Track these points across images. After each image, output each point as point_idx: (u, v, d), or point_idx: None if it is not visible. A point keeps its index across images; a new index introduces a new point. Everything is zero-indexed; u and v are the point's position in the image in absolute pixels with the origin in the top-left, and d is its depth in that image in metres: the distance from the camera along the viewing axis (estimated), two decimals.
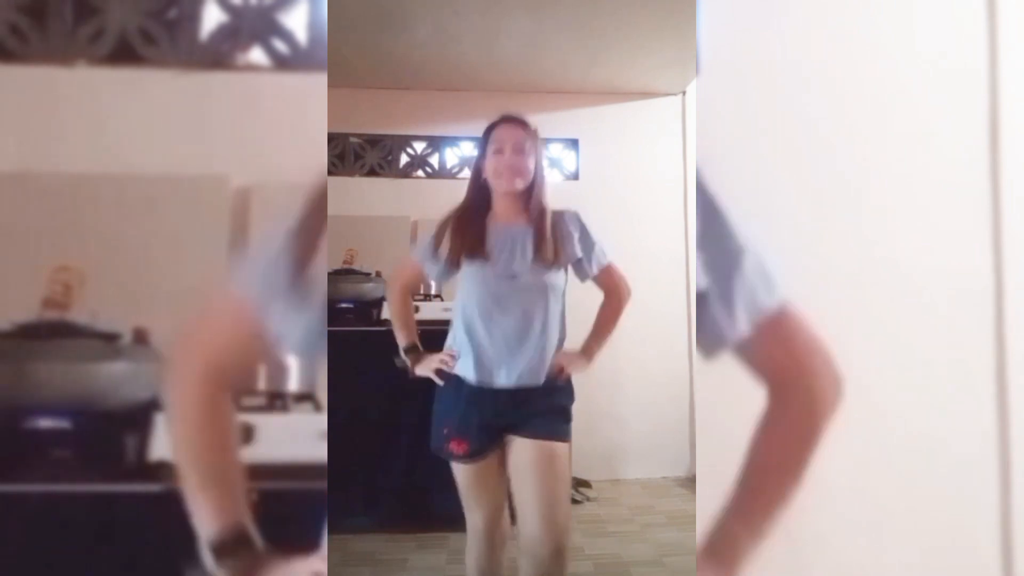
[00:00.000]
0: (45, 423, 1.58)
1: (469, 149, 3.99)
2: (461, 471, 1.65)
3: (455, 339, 1.67)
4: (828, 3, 1.16)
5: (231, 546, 0.71)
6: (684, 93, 4.04)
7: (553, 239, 1.64)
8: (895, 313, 1.11)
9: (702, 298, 0.76)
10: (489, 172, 1.66)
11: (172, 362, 0.79)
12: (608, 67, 3.64)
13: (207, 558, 0.72)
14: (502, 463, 1.63)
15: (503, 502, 1.67)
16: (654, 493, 3.56)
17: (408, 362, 1.71)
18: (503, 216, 1.68)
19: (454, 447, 1.61)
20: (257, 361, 0.81)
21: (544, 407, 1.61)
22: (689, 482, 3.70)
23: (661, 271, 3.87)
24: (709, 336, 0.76)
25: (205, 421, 0.76)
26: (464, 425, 1.61)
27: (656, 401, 3.87)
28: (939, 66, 1.17)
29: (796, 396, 0.74)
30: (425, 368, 1.67)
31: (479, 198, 1.70)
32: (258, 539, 0.72)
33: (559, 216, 1.69)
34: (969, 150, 1.17)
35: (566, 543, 1.55)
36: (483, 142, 1.70)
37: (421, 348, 1.72)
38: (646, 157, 4.02)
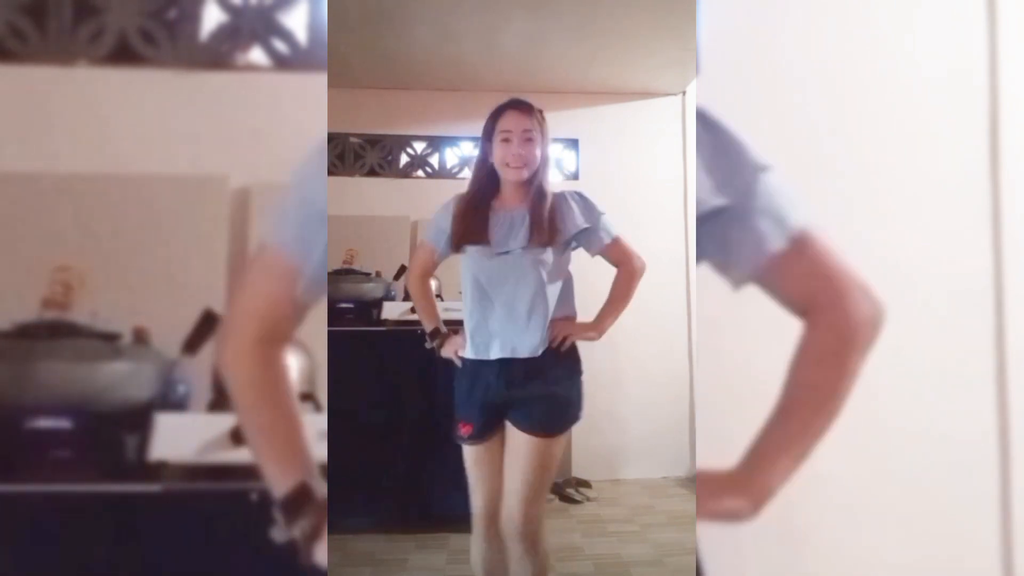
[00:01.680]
0: (45, 423, 1.58)
1: (469, 149, 3.99)
2: (467, 453, 1.71)
3: (465, 323, 1.71)
4: (828, 3, 1.16)
5: (299, 504, 0.71)
6: (684, 93, 4.04)
7: (550, 219, 1.65)
8: (895, 313, 1.11)
9: (715, 221, 0.72)
10: (497, 160, 1.67)
11: (226, 327, 0.80)
12: (608, 67, 3.64)
13: (279, 519, 0.72)
14: (501, 444, 1.67)
15: (502, 487, 1.70)
16: (654, 493, 3.56)
17: (435, 346, 1.77)
18: (508, 201, 1.70)
19: (462, 429, 1.68)
20: (302, 312, 0.81)
21: (542, 392, 1.63)
22: (689, 482, 3.70)
23: (661, 271, 3.86)
24: (737, 259, 0.72)
25: (265, 381, 0.76)
26: (470, 406, 1.66)
27: (656, 401, 3.87)
28: (939, 66, 1.17)
29: (834, 320, 0.70)
30: (448, 351, 1.73)
31: (485, 184, 1.71)
32: (321, 496, 0.73)
33: (560, 196, 1.70)
34: (969, 150, 1.17)
35: (539, 533, 1.62)
36: (489, 128, 1.69)
37: (444, 330, 1.78)
38: (646, 157, 4.02)
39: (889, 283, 1.08)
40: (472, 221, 1.67)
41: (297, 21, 2.19)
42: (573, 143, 4.05)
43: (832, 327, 0.70)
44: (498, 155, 1.66)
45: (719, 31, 1.08)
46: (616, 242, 1.75)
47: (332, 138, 3.89)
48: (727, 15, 1.09)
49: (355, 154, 3.95)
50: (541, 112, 1.70)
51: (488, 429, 1.67)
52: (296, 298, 0.80)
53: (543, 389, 1.63)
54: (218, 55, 2.13)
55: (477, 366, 1.67)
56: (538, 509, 1.63)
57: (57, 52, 2.08)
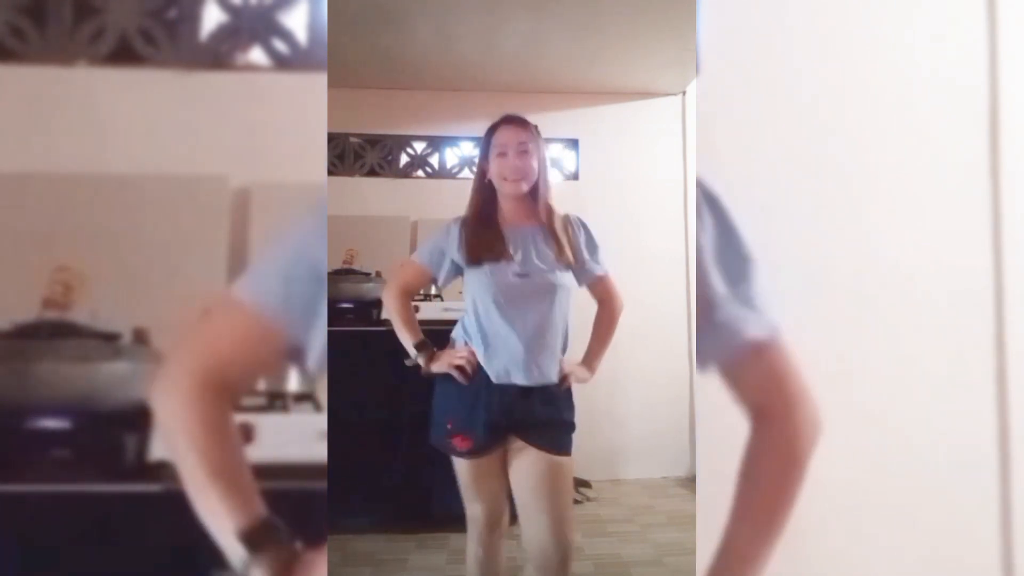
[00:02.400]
0: (45, 423, 1.58)
1: (469, 149, 3.99)
2: (463, 466, 1.65)
3: (467, 336, 1.66)
4: (828, 3, 1.16)
5: (262, 536, 0.70)
6: (684, 93, 4.04)
7: (561, 239, 1.65)
8: (895, 312, 1.11)
9: (711, 308, 0.74)
10: (494, 175, 1.67)
11: (169, 367, 0.74)
12: (608, 67, 3.64)
13: (237, 555, 0.70)
14: (504, 460, 1.64)
15: (504, 497, 1.69)
16: (654, 493, 3.56)
17: (421, 360, 1.67)
18: (512, 218, 1.69)
19: (458, 443, 1.61)
20: (266, 371, 0.76)
21: (548, 415, 1.62)
22: (689, 482, 3.70)
23: (661, 271, 3.87)
24: (713, 344, 0.75)
25: (208, 426, 0.72)
26: (471, 421, 1.60)
27: (656, 401, 3.87)
28: (939, 66, 1.17)
29: (781, 428, 0.73)
30: (442, 365, 1.64)
31: (486, 200, 1.70)
32: (286, 530, 0.71)
33: (568, 218, 1.71)
34: (969, 150, 1.17)
35: (572, 553, 1.59)
36: (485, 144, 1.70)
37: (431, 344, 1.70)
38: (646, 157, 4.02)
39: (889, 283, 1.08)
40: (488, 236, 1.65)
41: (297, 21, 2.19)
42: (573, 143, 4.05)
43: (783, 436, 0.73)
44: (495, 170, 1.66)
45: (719, 31, 1.08)
46: (606, 277, 1.75)
47: (332, 138, 3.89)
48: (727, 15, 1.09)
49: (355, 154, 3.95)
50: (536, 127, 1.70)
51: (490, 444, 1.62)
52: (263, 359, 0.75)
53: (556, 414, 1.63)
54: (218, 55, 2.13)
55: (486, 385, 1.61)
56: (573, 529, 1.61)
57: (57, 52, 2.08)
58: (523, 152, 1.64)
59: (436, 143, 4.03)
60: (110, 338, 1.71)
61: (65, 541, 1.50)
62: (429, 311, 3.02)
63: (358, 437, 2.82)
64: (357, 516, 2.89)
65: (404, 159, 4.02)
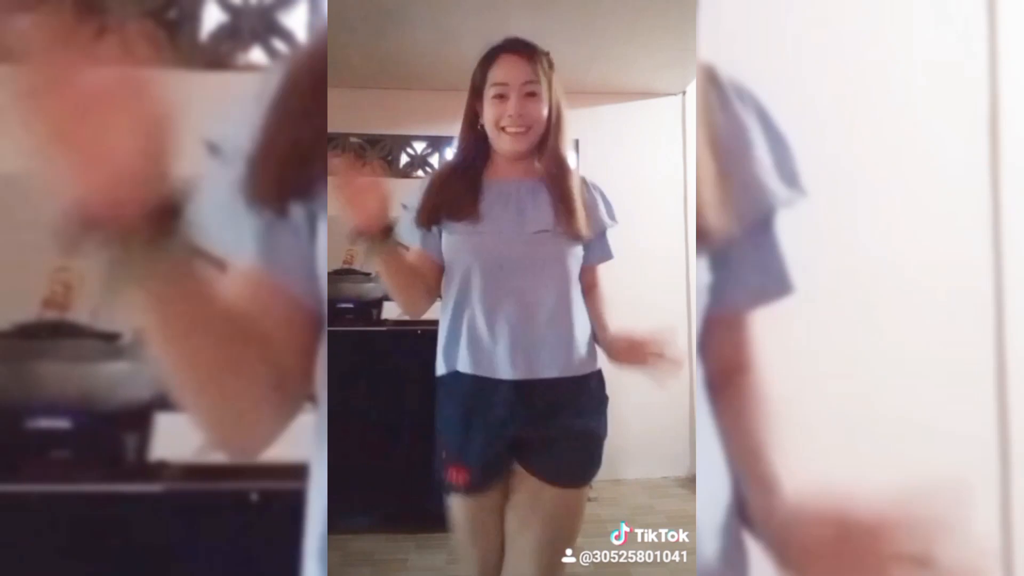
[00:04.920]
0: (45, 423, 1.58)
1: None
2: (459, 506, 1.29)
3: (445, 327, 1.29)
4: (828, 3, 1.16)
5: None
6: (684, 93, 4.04)
7: (575, 201, 1.26)
8: (895, 312, 1.11)
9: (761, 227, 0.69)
10: (488, 122, 1.28)
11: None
12: (608, 67, 3.64)
13: None
14: (505, 491, 1.28)
15: (501, 538, 1.32)
16: (654, 493, 3.56)
17: (416, 228, 1.27)
18: (504, 170, 1.30)
19: (452, 476, 1.25)
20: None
21: (567, 427, 1.26)
22: (689, 482, 3.70)
23: (661, 271, 3.87)
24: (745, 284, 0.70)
25: None
26: (464, 444, 1.24)
27: (656, 401, 3.87)
28: (940, 66, 1.17)
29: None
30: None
31: (474, 152, 1.32)
32: None
33: (583, 181, 1.34)
34: (969, 150, 1.17)
35: None
36: (478, 80, 1.31)
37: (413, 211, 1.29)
38: (646, 157, 4.02)
39: (889, 282, 1.08)
40: (455, 191, 1.26)
41: (297, 21, 2.19)
42: (573, 143, 4.05)
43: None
44: (490, 115, 1.26)
45: (719, 31, 1.08)
46: (597, 271, 1.37)
47: (332, 138, 3.89)
48: (727, 15, 1.09)
49: (355, 154, 3.95)
50: (548, 55, 1.31)
51: (492, 475, 1.24)
52: None
53: (570, 424, 1.27)
54: (218, 55, 2.13)
55: (475, 388, 1.23)
56: (563, 571, 1.30)
57: None
58: (530, 95, 1.25)
59: (436, 143, 4.03)
60: (110, 338, 1.71)
61: (65, 541, 1.50)
62: (429, 311, 3.01)
63: (358, 437, 2.82)
64: (357, 516, 2.89)
65: (404, 159, 4.02)
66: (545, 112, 1.27)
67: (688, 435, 3.84)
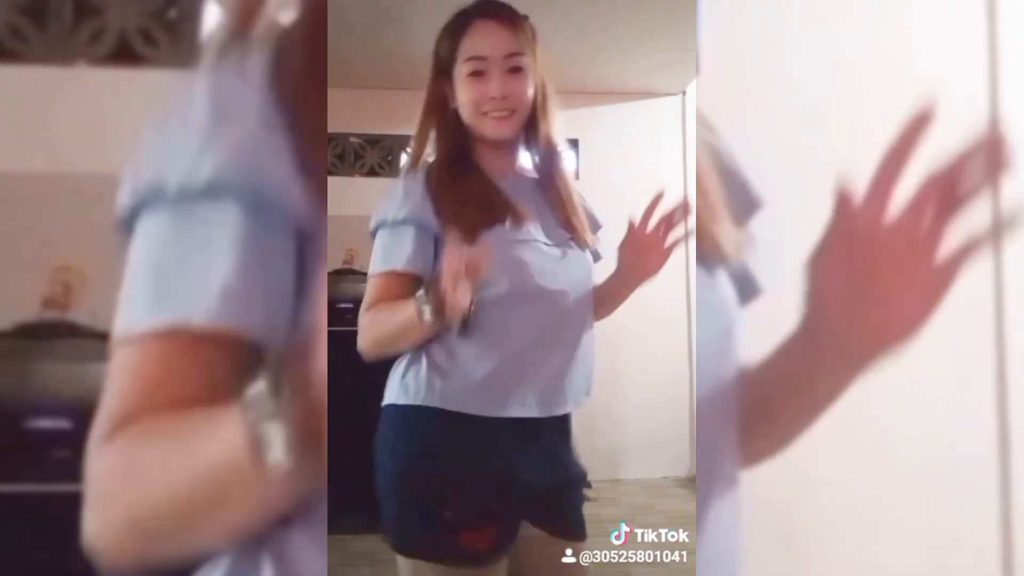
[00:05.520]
0: (45, 423, 1.58)
1: None
2: None
3: (450, 354, 1.01)
4: (828, 3, 1.16)
5: None
6: (684, 93, 4.04)
7: (575, 199, 1.09)
8: None
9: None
10: (464, 105, 1.03)
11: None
12: (608, 67, 3.64)
13: None
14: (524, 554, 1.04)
15: None
16: (654, 493, 3.56)
17: (431, 307, 0.93)
18: (490, 165, 1.06)
19: (470, 540, 0.95)
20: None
21: (570, 471, 1.09)
22: (689, 482, 3.70)
23: (661, 271, 3.87)
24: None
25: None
26: (495, 498, 0.97)
27: (656, 401, 3.87)
28: (940, 66, 1.17)
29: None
30: (460, 295, 0.87)
31: (456, 143, 1.06)
32: None
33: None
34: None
35: None
36: (445, 52, 1.07)
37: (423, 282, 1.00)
38: (646, 157, 4.02)
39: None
40: (477, 190, 1.01)
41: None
42: (573, 143, 4.05)
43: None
44: (467, 97, 1.02)
45: (719, 31, 1.08)
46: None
47: (332, 138, 3.89)
48: (727, 15, 1.09)
49: (355, 154, 3.95)
50: (529, 21, 1.08)
51: (514, 534, 1.00)
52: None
53: (571, 465, 1.09)
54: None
55: (477, 428, 0.98)
56: None
57: (57, 52, 2.08)
58: (514, 70, 1.02)
59: None
60: (110, 338, 1.71)
61: (65, 541, 1.50)
62: None
63: (358, 437, 2.82)
64: (357, 516, 2.89)
65: (404, 159, 4.02)
66: (530, 89, 1.04)
67: (688, 435, 3.84)
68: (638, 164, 4.00)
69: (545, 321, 1.00)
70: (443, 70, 1.08)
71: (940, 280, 0.49)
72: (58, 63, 2.08)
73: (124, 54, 2.10)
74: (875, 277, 0.50)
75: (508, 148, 1.08)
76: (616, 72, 3.72)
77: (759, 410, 0.62)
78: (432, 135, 1.11)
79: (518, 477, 1.00)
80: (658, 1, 2.95)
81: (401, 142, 4.00)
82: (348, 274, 3.40)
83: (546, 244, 1.02)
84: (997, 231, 0.46)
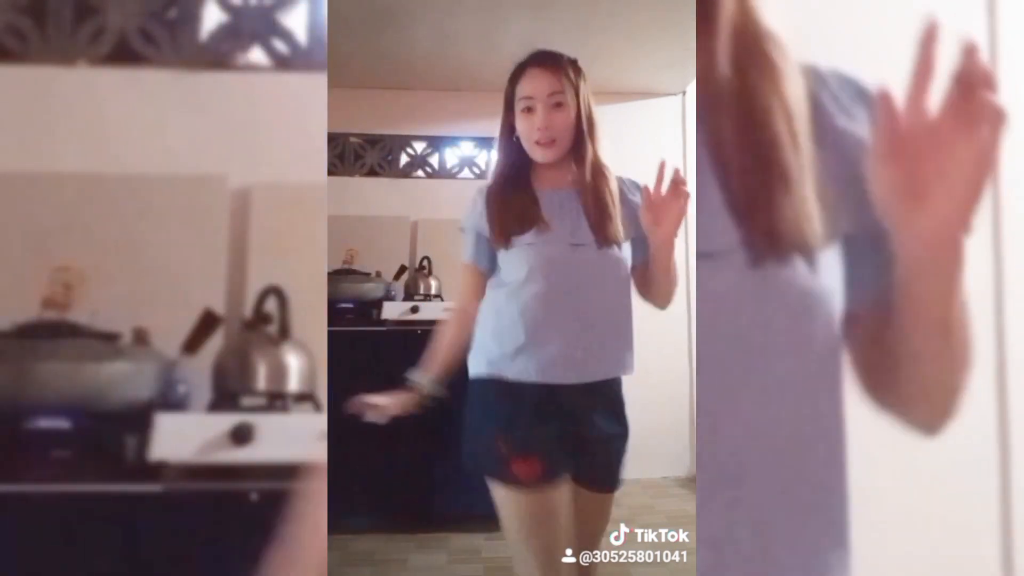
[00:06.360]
0: (45, 423, 1.58)
1: (469, 149, 3.99)
2: (520, 504, 1.25)
3: (499, 335, 1.32)
4: (827, 4, 1.16)
5: None
6: (684, 93, 4.04)
7: (610, 207, 1.34)
8: None
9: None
10: (522, 135, 1.35)
11: None
12: (608, 67, 3.64)
13: None
14: (565, 496, 1.29)
15: (564, 553, 1.30)
16: (654, 493, 3.56)
17: (410, 392, 1.40)
18: (549, 181, 1.36)
19: (519, 469, 1.23)
20: None
21: (610, 433, 1.34)
22: (689, 482, 3.70)
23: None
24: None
25: None
26: (536, 436, 1.26)
27: (656, 401, 3.87)
28: (939, 66, 1.17)
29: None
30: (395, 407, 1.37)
31: (514, 163, 1.37)
32: None
33: (621, 181, 1.44)
34: None
35: None
36: (509, 94, 1.38)
37: (440, 391, 1.42)
38: (646, 157, 4.02)
39: None
40: (517, 200, 1.32)
41: (297, 21, 2.19)
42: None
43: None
44: (522, 129, 1.33)
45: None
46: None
47: (332, 138, 3.89)
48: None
49: (355, 154, 3.95)
50: (575, 63, 1.38)
51: (561, 468, 1.27)
52: None
53: (611, 428, 1.34)
54: (218, 55, 2.13)
55: (543, 390, 1.28)
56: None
57: (57, 52, 2.08)
58: (556, 105, 1.32)
59: (436, 143, 4.03)
60: (110, 338, 1.71)
61: (65, 541, 1.50)
62: (429, 311, 3.02)
63: (358, 437, 2.82)
64: (357, 516, 2.89)
65: (404, 159, 4.02)
66: (573, 120, 1.35)
67: (688, 435, 3.84)
68: (638, 164, 4.00)
69: (575, 303, 1.28)
70: (509, 107, 1.38)
71: (983, 158, 0.55)
72: (58, 63, 2.08)
73: (124, 54, 2.10)
74: (924, 169, 0.55)
75: (555, 167, 1.36)
76: (616, 72, 3.72)
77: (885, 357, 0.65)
78: (498, 160, 1.43)
79: (572, 426, 1.28)
80: (658, 1, 2.95)
81: (401, 142, 4.00)
82: (348, 274, 3.40)
83: (573, 244, 1.29)
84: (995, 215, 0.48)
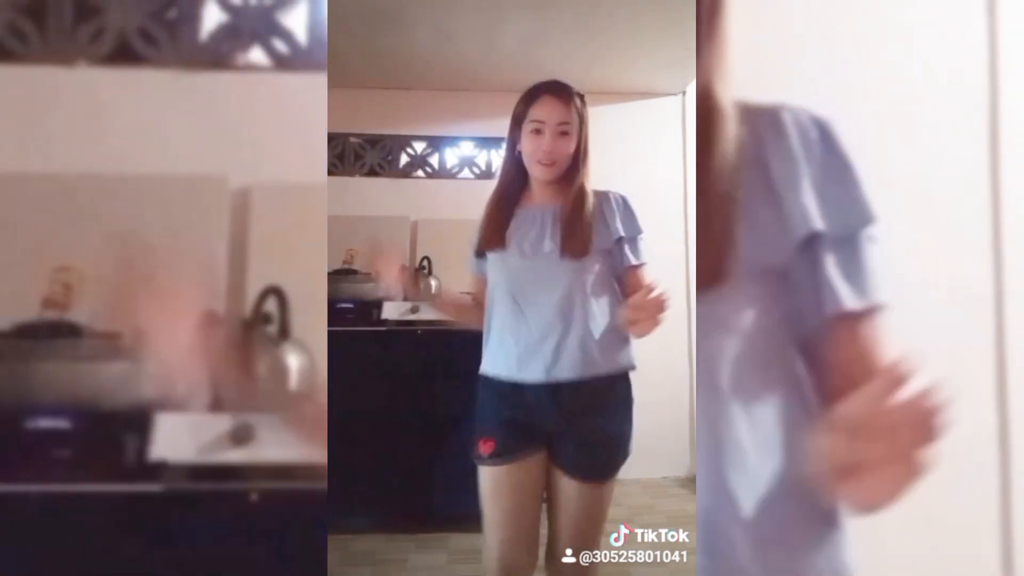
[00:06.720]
0: (45, 423, 1.58)
1: (469, 149, 3.99)
2: (485, 478, 1.47)
3: (486, 335, 1.54)
4: (827, 4, 1.16)
5: None
6: (684, 93, 4.04)
7: (581, 225, 1.46)
8: (895, 312, 1.11)
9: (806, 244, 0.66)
10: (525, 153, 1.48)
11: None
12: (608, 67, 3.64)
13: None
14: (538, 477, 1.47)
15: (533, 530, 1.50)
16: (654, 493, 3.56)
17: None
18: (539, 197, 1.52)
19: (480, 446, 1.45)
20: None
21: (594, 429, 1.46)
22: (689, 482, 3.70)
23: (661, 271, 3.86)
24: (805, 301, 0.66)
25: None
26: (491, 421, 1.47)
27: (656, 401, 3.87)
28: (940, 67, 1.17)
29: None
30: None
31: (515, 177, 1.53)
32: None
33: (603, 197, 1.53)
34: (969, 150, 1.17)
35: None
36: (519, 114, 1.50)
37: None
38: (646, 157, 4.02)
39: (888, 282, 1.08)
40: (496, 223, 1.50)
41: (297, 21, 2.19)
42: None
43: None
44: (527, 148, 1.47)
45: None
46: (638, 270, 1.58)
47: (332, 138, 3.89)
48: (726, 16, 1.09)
49: (355, 154, 3.95)
50: (582, 98, 1.52)
51: (515, 447, 1.43)
52: None
53: (594, 424, 1.47)
54: (218, 55, 2.13)
55: (504, 384, 1.46)
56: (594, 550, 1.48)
57: (57, 52, 2.08)
58: (562, 134, 1.46)
59: (436, 143, 4.03)
60: (110, 338, 1.71)
61: (65, 541, 1.50)
62: (429, 311, 3.01)
63: (358, 437, 2.82)
64: (357, 516, 2.89)
65: (404, 159, 4.02)
66: (574, 148, 1.49)
67: (688, 435, 3.84)
68: (638, 164, 4.00)
69: (539, 309, 1.43)
70: (516, 124, 1.51)
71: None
72: (58, 63, 2.08)
73: (124, 54, 2.10)
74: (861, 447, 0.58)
75: (547, 185, 1.51)
76: (616, 72, 3.72)
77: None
78: (500, 173, 1.58)
79: (531, 418, 1.44)
80: (658, 1, 2.95)
81: (401, 142, 4.00)
82: (348, 274, 3.40)
83: (533, 255, 1.45)
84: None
